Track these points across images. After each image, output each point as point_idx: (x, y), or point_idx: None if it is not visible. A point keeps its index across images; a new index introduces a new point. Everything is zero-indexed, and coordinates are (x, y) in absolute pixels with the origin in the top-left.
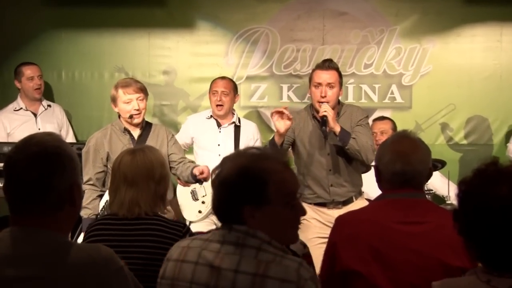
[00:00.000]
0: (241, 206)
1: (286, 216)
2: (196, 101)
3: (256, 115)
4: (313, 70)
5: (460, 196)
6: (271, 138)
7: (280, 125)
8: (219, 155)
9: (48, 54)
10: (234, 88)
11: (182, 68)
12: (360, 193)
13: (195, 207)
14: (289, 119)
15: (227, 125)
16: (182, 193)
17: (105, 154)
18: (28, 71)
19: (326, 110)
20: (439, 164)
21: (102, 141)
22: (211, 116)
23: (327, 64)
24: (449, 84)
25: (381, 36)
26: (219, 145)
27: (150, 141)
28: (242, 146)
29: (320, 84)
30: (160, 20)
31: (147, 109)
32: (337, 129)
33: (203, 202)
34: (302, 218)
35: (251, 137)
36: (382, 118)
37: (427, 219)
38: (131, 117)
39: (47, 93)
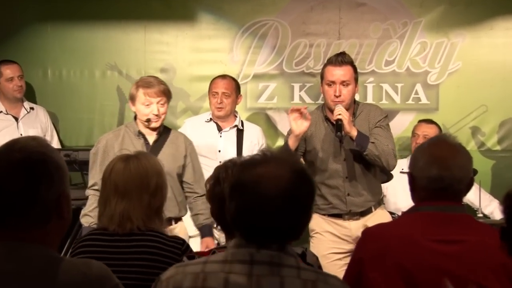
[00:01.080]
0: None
1: None
2: (197, 102)
3: (264, 118)
4: (325, 66)
5: (508, 211)
6: (284, 142)
7: (297, 125)
8: (220, 162)
9: (32, 50)
10: (236, 88)
11: (182, 65)
12: (379, 203)
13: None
14: (307, 120)
15: (228, 129)
16: None
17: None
18: (7, 70)
19: (340, 113)
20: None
21: (112, 143)
22: (211, 119)
23: (340, 59)
24: (481, 83)
25: (404, 30)
26: (219, 151)
27: (166, 149)
28: (245, 152)
29: (333, 82)
30: (158, 12)
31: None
32: (354, 133)
33: None
34: (313, 231)
35: (255, 142)
36: (428, 121)
37: (466, 237)
38: (148, 121)
39: (31, 94)
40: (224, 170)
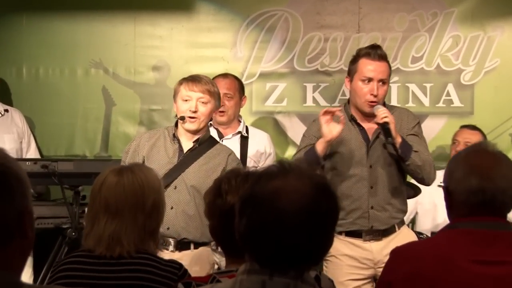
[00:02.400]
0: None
1: None
2: None
3: (272, 123)
4: (359, 58)
5: None
6: (308, 149)
7: (329, 130)
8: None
9: (6, 45)
10: (240, 89)
11: (177, 62)
12: (402, 222)
13: None
14: (340, 123)
15: (231, 136)
16: None
17: (141, 159)
18: None
19: (386, 115)
20: None
21: (145, 143)
22: (211, 125)
23: (379, 53)
24: None
25: (433, 21)
26: None
27: (200, 161)
28: (250, 162)
29: (371, 79)
30: (149, 1)
31: (132, 115)
32: (399, 139)
33: None
34: (329, 254)
35: (262, 151)
36: (471, 127)
37: (511, 258)
38: (182, 118)
39: (3, 95)
40: (227, 181)
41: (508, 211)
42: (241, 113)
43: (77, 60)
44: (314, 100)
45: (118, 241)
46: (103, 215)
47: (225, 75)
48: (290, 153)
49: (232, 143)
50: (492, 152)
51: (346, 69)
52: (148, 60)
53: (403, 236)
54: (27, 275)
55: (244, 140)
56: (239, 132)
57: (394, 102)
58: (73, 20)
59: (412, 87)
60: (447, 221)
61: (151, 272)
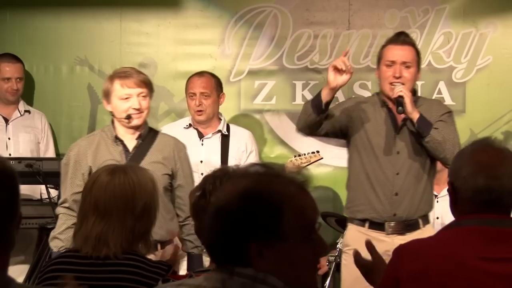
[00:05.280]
0: (246, 242)
1: (304, 255)
2: (182, 103)
3: (261, 122)
4: (383, 47)
5: None
6: (315, 95)
7: (334, 77)
8: (202, 174)
9: None
10: (217, 86)
11: (164, 60)
12: (427, 219)
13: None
14: (347, 73)
15: (211, 135)
16: None
17: (87, 169)
18: (6, 68)
19: (401, 89)
20: None
21: (85, 151)
22: (190, 125)
23: (403, 38)
24: None
25: (425, 18)
26: (201, 161)
27: (149, 157)
28: (231, 161)
29: (393, 62)
30: None
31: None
32: (416, 114)
33: None
34: (347, 247)
35: (243, 149)
36: None
37: None
38: (128, 117)
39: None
40: (212, 182)
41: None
42: (229, 111)
43: (62, 57)
44: (304, 98)
45: (105, 242)
46: (92, 215)
47: (200, 74)
48: (279, 152)
49: (213, 142)
50: (498, 148)
51: None
52: (134, 57)
53: (428, 235)
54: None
55: (224, 139)
56: (219, 131)
57: None
58: (58, 17)
59: None
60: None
61: (138, 273)
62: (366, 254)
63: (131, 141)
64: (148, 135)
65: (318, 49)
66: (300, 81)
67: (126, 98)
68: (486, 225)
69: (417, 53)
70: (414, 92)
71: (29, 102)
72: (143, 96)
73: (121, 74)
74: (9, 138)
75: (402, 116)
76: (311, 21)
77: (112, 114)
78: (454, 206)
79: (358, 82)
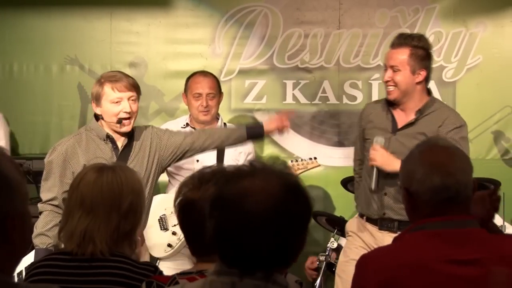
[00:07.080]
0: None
1: None
2: (172, 102)
3: (251, 121)
4: None
5: None
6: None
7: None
8: None
9: None
10: (219, 87)
11: (155, 59)
12: None
13: (164, 240)
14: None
15: None
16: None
17: (81, 167)
18: None
19: (374, 158)
20: (491, 185)
21: (75, 150)
22: (188, 124)
23: (396, 41)
24: (504, 81)
25: (415, 18)
26: (197, 160)
27: (134, 153)
28: (228, 162)
29: (385, 66)
30: None
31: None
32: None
33: (173, 233)
34: (350, 231)
35: (240, 150)
36: None
37: (483, 254)
38: (120, 122)
39: None
40: (190, 178)
41: (469, 205)
42: (220, 110)
43: (52, 56)
44: (294, 97)
45: (91, 239)
46: (77, 211)
47: (205, 74)
48: (269, 151)
49: None
50: (444, 146)
51: (326, 66)
52: (124, 56)
53: None
54: None
55: None
56: None
57: (375, 99)
58: (47, 16)
59: None
60: None
61: (125, 275)
62: (364, 242)
63: (119, 139)
64: (133, 133)
65: (309, 48)
66: (290, 80)
67: (117, 102)
68: (449, 227)
69: (414, 53)
70: (428, 91)
71: (19, 101)
72: (133, 100)
73: (111, 78)
74: None
75: (403, 118)
76: (302, 20)
77: (96, 116)
78: (412, 211)
79: (349, 82)
